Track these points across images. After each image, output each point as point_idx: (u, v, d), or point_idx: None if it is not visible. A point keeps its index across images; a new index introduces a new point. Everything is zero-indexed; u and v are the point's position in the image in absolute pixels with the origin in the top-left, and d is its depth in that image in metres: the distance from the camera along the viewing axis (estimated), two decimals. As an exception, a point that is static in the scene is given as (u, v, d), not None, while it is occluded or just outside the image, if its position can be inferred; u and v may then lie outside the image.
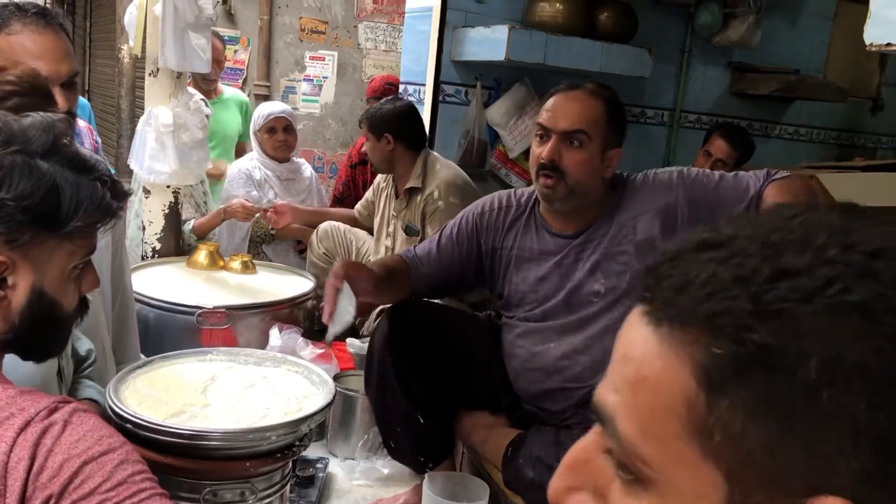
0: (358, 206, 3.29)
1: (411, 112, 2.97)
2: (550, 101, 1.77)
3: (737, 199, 1.68)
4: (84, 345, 1.47)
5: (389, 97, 3.20)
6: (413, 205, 2.89)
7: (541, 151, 1.73)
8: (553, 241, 1.82)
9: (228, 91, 3.93)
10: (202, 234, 3.06)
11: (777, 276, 0.42)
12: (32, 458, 0.80)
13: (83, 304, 1.07)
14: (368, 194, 3.23)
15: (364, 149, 3.12)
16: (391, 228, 3.01)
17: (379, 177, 3.15)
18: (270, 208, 3.09)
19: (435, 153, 3.03)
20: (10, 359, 1.03)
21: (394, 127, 2.88)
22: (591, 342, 1.75)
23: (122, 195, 1.06)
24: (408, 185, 2.90)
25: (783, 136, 4.35)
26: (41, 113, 1.00)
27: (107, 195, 1.01)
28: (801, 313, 0.40)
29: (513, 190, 1.97)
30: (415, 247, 1.99)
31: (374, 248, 3.08)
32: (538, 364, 1.80)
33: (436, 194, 2.82)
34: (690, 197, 1.71)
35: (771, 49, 3.99)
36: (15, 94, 1.22)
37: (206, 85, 3.66)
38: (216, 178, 3.51)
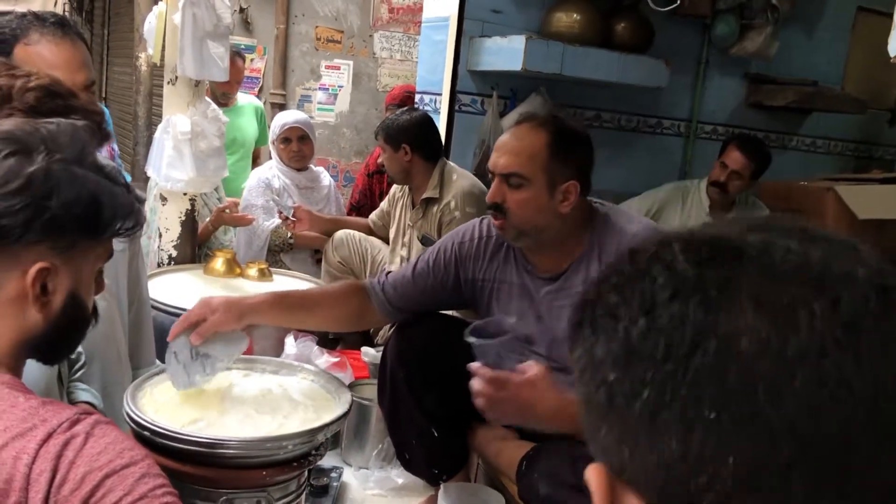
0: (372, 215, 3.29)
1: (427, 122, 2.97)
2: (498, 140, 1.76)
3: None
4: None
5: (405, 108, 3.20)
6: (430, 215, 2.89)
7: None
8: (531, 280, 1.78)
9: (243, 98, 3.97)
10: (201, 241, 3.10)
11: None
12: (54, 471, 0.79)
13: (94, 308, 1.08)
14: (384, 204, 3.23)
15: (380, 160, 3.12)
16: (407, 238, 3.00)
17: (395, 187, 3.15)
18: (291, 213, 3.11)
19: (451, 163, 3.03)
20: None
21: (411, 137, 2.88)
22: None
23: (141, 201, 1.08)
24: (424, 196, 2.90)
25: (800, 148, 4.33)
26: (62, 120, 1.01)
27: (135, 201, 1.03)
28: None
29: (489, 214, 1.91)
30: (388, 272, 1.96)
31: (389, 257, 3.07)
32: None
33: (452, 204, 2.82)
34: None
35: (788, 60, 3.98)
36: (34, 89, 1.23)
37: (224, 99, 3.69)
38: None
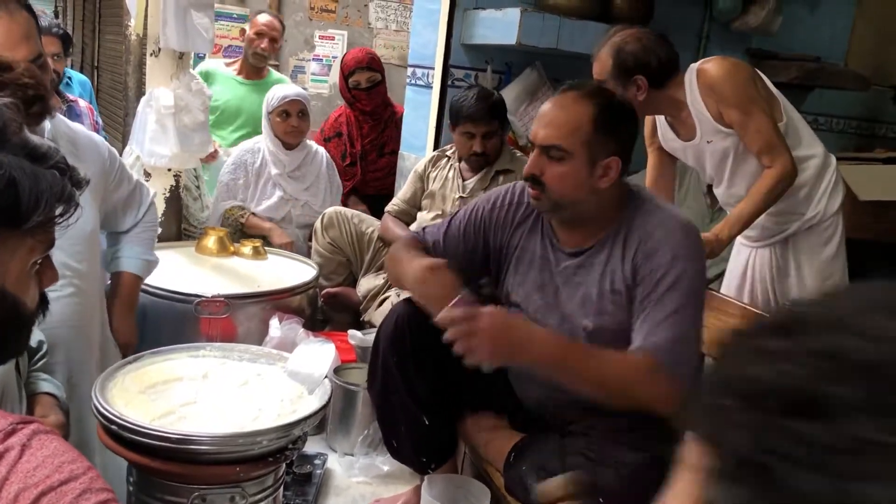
0: (397, 203, 3.06)
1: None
2: (541, 108, 1.69)
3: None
4: (35, 336, 1.39)
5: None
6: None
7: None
8: (553, 253, 1.73)
9: (277, 74, 3.91)
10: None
11: None
12: None
13: (43, 301, 1.00)
14: (407, 186, 3.04)
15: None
16: (455, 209, 2.79)
17: (423, 160, 3.03)
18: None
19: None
20: None
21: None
22: None
23: (80, 183, 0.98)
24: (499, 167, 2.83)
25: (801, 125, 4.24)
26: None
27: (67, 185, 0.93)
28: None
29: (526, 185, 1.85)
30: (423, 230, 1.91)
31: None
32: (528, 372, 1.73)
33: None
34: (634, 282, 1.60)
35: (791, 36, 3.87)
36: None
37: (257, 61, 3.69)
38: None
